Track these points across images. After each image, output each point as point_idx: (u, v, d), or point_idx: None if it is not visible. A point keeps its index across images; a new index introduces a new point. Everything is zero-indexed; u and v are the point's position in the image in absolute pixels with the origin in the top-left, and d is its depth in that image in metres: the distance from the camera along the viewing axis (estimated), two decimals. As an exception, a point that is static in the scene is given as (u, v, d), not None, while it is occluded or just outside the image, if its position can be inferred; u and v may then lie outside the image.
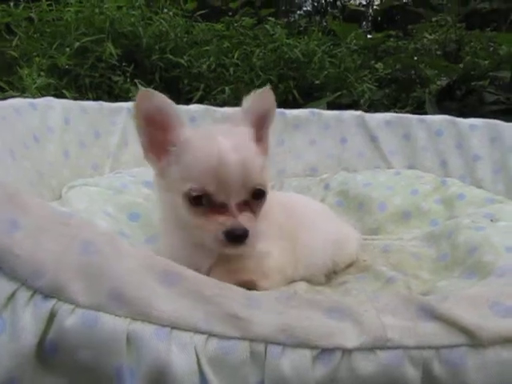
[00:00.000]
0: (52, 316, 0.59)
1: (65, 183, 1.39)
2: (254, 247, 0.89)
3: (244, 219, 0.83)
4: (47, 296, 0.60)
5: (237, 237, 0.81)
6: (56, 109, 1.54)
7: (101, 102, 1.77)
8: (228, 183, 0.82)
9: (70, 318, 0.59)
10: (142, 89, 0.89)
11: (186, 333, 0.59)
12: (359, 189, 1.59)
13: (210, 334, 0.59)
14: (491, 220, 1.24)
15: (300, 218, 1.12)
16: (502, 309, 0.62)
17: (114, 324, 0.59)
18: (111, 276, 0.61)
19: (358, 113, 1.96)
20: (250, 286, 0.92)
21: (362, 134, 1.91)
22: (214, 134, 0.88)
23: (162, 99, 0.88)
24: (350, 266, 1.21)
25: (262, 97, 0.95)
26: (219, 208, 0.83)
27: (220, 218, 0.82)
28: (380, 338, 0.60)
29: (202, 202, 0.83)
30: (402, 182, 1.59)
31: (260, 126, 0.96)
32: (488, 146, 1.78)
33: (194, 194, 0.83)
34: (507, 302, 0.64)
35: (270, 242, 0.98)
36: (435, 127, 1.86)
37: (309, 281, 1.08)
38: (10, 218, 0.64)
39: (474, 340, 0.60)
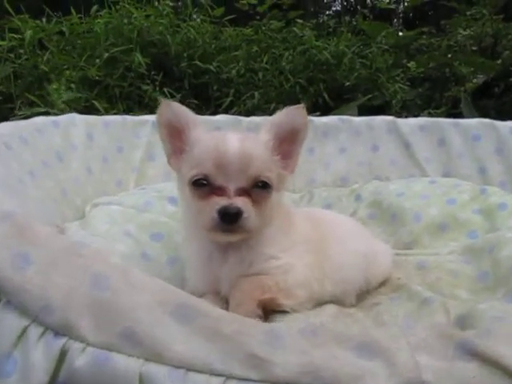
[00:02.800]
0: (63, 355, 0.57)
1: (88, 200, 1.38)
2: (250, 233, 0.87)
3: (239, 201, 0.84)
4: (58, 333, 0.58)
5: (229, 215, 0.82)
6: (79, 126, 1.53)
7: (124, 116, 1.75)
8: (226, 167, 0.85)
9: (81, 358, 0.56)
10: (162, 100, 0.96)
11: (202, 375, 0.55)
12: (392, 199, 1.51)
13: (228, 377, 0.55)
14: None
15: (328, 231, 1.08)
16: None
17: (126, 364, 0.55)
18: (123, 313, 0.57)
19: (390, 118, 1.89)
20: (271, 304, 0.89)
21: (394, 141, 1.83)
22: (225, 133, 0.94)
23: (179, 107, 0.95)
24: (382, 284, 1.14)
25: (293, 113, 0.94)
26: (218, 191, 0.85)
27: (217, 198, 0.84)
28: (414, 381, 0.54)
29: (203, 185, 0.87)
30: (438, 191, 1.51)
31: (287, 141, 0.95)
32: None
33: (196, 177, 0.87)
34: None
35: (293, 256, 0.95)
36: (472, 131, 1.76)
37: (339, 301, 1.02)
38: (20, 252, 0.62)
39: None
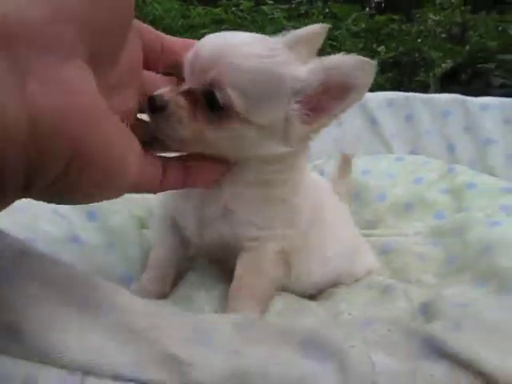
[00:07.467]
0: None
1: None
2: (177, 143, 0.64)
3: (174, 97, 0.63)
4: None
5: (150, 101, 0.61)
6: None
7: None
8: (192, 60, 0.63)
9: None
10: None
11: (104, 380, 0.43)
12: (357, 176, 1.40)
13: (137, 382, 0.43)
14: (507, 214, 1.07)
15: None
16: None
17: (7, 367, 0.43)
18: (4, 305, 0.45)
19: (356, 93, 1.77)
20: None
21: (360, 116, 1.72)
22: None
23: None
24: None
25: (356, 65, 0.63)
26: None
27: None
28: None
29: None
30: (406, 170, 1.41)
31: (330, 95, 0.66)
32: (502, 129, 1.60)
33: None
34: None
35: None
36: (441, 107, 1.68)
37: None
38: None
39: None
